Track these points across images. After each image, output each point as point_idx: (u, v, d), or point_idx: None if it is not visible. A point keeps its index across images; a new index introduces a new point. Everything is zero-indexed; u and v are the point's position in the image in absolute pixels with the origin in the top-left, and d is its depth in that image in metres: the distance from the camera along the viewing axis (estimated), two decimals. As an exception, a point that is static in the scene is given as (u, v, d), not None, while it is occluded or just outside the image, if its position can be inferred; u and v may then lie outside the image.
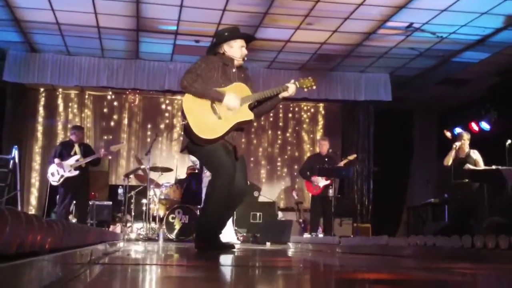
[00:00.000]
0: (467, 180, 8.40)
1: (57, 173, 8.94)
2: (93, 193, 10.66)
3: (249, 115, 4.55)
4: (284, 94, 4.68)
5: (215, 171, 4.54)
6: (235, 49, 4.67)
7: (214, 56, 4.70)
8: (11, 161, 8.99)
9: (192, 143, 4.53)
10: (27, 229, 1.62)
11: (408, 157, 13.33)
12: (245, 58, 4.73)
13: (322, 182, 9.43)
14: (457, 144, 8.64)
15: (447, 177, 8.87)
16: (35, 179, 12.16)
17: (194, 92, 4.43)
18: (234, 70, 4.65)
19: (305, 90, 4.86)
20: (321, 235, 9.11)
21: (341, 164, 9.65)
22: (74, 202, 9.27)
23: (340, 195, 11.28)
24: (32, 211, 11.47)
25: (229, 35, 4.72)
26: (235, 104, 4.41)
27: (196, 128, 4.41)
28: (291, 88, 4.64)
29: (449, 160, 8.66)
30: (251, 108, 4.62)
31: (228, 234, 7.78)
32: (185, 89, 4.46)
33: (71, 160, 8.99)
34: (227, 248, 4.54)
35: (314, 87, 4.86)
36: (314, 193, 9.64)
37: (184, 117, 4.47)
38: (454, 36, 9.45)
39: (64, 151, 9.14)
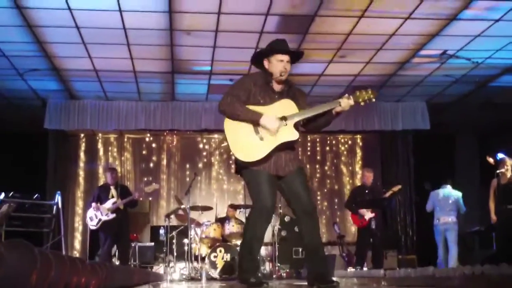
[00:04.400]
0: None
1: (95, 217, 9.06)
2: (135, 235, 10.74)
3: (294, 135, 4.22)
4: (337, 109, 4.33)
5: (253, 200, 4.33)
6: (274, 64, 4.32)
7: (256, 73, 4.48)
8: (55, 207, 9.15)
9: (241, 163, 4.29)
10: (71, 272, 1.64)
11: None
12: (282, 74, 4.29)
13: (368, 214, 9.26)
14: (500, 170, 8.47)
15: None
16: (78, 223, 12.32)
17: (229, 115, 4.23)
18: (277, 87, 4.37)
19: (362, 104, 4.42)
20: (365, 269, 8.94)
21: (387, 195, 9.45)
22: (116, 244, 9.35)
23: (383, 227, 11.10)
24: (76, 255, 11.59)
25: (267, 50, 4.44)
26: (272, 126, 4.14)
27: (236, 150, 4.20)
28: (344, 102, 4.29)
29: (493, 199, 8.58)
30: (301, 125, 4.38)
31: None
32: (222, 113, 4.27)
33: (108, 203, 9.10)
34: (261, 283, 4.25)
35: (374, 100, 4.45)
36: (360, 226, 9.46)
37: (225, 138, 4.28)
38: (490, 61, 9.34)
39: (102, 195, 9.28)
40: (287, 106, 4.27)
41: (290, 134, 4.21)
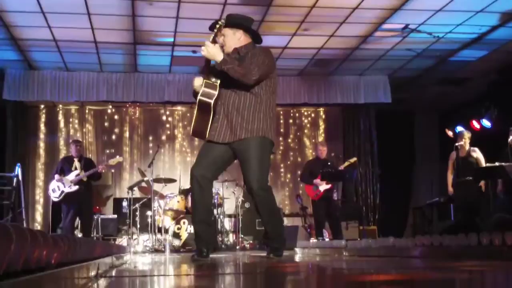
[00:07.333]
0: (470, 178, 8.40)
1: (57, 189, 8.94)
2: (97, 207, 10.66)
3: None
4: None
5: None
6: None
7: None
8: (15, 179, 8.99)
9: None
10: (33, 245, 1.63)
11: (411, 158, 13.32)
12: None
13: (323, 186, 9.36)
14: (459, 143, 8.67)
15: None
16: (39, 195, 12.16)
17: None
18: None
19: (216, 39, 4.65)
20: (327, 239, 9.08)
21: (342, 167, 9.58)
22: (79, 217, 9.29)
23: (344, 199, 11.26)
24: (37, 227, 11.46)
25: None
26: (195, 85, 4.47)
27: None
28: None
29: (451, 171, 8.85)
30: (220, 86, 4.46)
31: None
32: None
33: (71, 175, 8.99)
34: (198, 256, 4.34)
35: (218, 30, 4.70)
36: (315, 197, 9.56)
37: None
38: (451, 36, 9.46)
39: (65, 167, 9.16)
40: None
41: None
